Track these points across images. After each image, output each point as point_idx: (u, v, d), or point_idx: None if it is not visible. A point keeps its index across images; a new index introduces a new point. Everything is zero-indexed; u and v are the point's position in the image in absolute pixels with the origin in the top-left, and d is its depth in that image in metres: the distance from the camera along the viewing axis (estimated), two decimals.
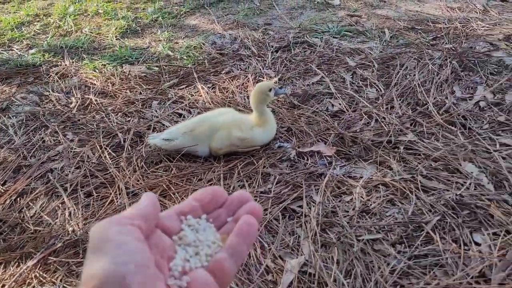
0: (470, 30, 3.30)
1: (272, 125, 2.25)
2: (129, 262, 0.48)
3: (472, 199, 1.68)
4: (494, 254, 1.47)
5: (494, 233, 1.56)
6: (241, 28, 3.71)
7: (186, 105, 2.67)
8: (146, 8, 4.25)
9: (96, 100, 2.80)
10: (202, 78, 2.96)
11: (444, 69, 2.60)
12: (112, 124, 2.51)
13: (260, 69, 3.00)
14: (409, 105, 2.37)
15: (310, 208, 1.80)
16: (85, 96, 2.87)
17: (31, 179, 2.11)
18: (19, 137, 2.45)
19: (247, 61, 3.14)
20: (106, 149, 2.29)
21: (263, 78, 2.87)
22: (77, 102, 2.80)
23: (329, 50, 3.16)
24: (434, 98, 2.35)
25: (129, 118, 2.60)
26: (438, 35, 3.29)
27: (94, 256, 0.49)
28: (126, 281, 0.46)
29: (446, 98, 2.35)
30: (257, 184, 1.97)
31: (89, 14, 4.18)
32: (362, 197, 1.81)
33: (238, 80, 2.88)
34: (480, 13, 3.65)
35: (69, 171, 2.16)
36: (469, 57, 2.72)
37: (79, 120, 2.60)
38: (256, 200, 1.86)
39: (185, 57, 3.29)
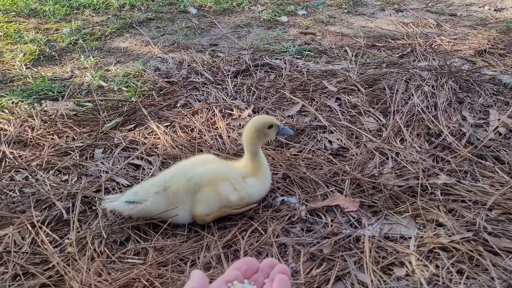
0: (436, 46, 3.10)
1: (267, 172, 1.74)
2: None
3: None
4: None
5: None
6: (183, 50, 3.15)
7: (142, 152, 2.05)
8: (60, 29, 3.50)
9: (12, 153, 2.06)
10: (153, 114, 2.36)
11: (441, 91, 2.30)
12: (43, 188, 1.81)
13: (223, 99, 2.47)
14: (421, 136, 2.02)
15: None
16: None
17: None
18: None
19: (204, 90, 2.60)
20: (41, 228, 1.60)
21: (232, 110, 2.35)
22: None
23: (297, 73, 2.74)
24: (448, 127, 2.02)
25: (66, 177, 1.92)
26: (404, 52, 3.05)
27: None
28: None
29: (460, 125, 2.04)
30: None
31: None
32: (422, 270, 1.37)
33: (201, 115, 2.33)
34: (434, 27, 3.51)
35: None
36: (461, 75, 2.47)
37: None
38: None
39: (124, 88, 2.65)
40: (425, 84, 2.38)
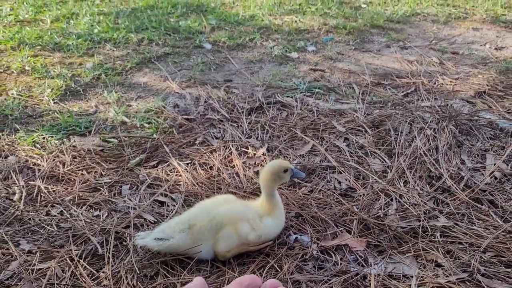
0: (438, 86, 3.29)
1: (281, 211, 1.91)
2: None
3: None
4: None
5: None
6: (200, 86, 3.36)
7: (165, 189, 2.23)
8: (83, 63, 3.72)
9: (46, 188, 2.25)
10: (174, 151, 2.55)
11: (442, 134, 2.48)
12: (78, 223, 1.99)
13: (239, 137, 2.66)
14: (423, 179, 2.19)
15: None
16: (30, 182, 2.30)
17: None
18: None
19: (220, 127, 2.79)
20: (79, 261, 1.78)
21: (248, 149, 2.54)
22: (21, 192, 2.22)
23: (308, 111, 2.93)
24: (448, 170, 2.19)
25: (97, 212, 2.10)
26: (408, 91, 3.24)
27: None
28: None
29: (459, 169, 2.21)
30: None
31: (13, 72, 3.54)
32: None
33: (218, 152, 2.51)
34: (437, 66, 3.70)
35: None
36: (461, 119, 2.65)
37: (30, 219, 2.04)
38: None
39: (145, 124, 2.84)
40: (427, 127, 2.56)
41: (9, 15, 4.78)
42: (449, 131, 2.48)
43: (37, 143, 2.65)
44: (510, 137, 2.45)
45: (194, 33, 4.35)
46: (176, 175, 2.35)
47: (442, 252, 1.74)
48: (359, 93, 3.23)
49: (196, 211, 1.85)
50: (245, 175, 2.32)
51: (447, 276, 1.63)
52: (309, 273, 1.72)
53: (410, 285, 1.62)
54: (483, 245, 1.74)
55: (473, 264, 1.66)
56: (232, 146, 2.56)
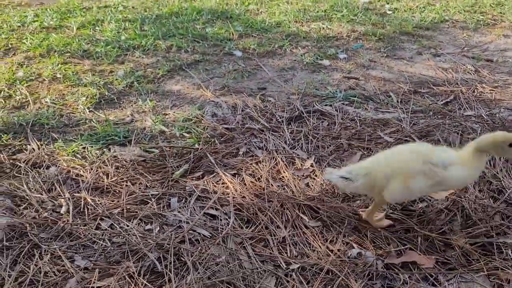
0: (478, 94, 3.23)
1: (479, 169, 1.85)
2: None
3: None
4: None
5: None
6: (234, 95, 3.31)
7: (215, 201, 2.18)
8: (114, 71, 3.68)
9: (93, 200, 2.20)
10: (219, 162, 2.49)
11: None
12: (131, 238, 1.93)
13: (283, 148, 2.60)
14: (483, 192, 2.12)
15: None
16: (75, 194, 2.25)
17: None
18: (6, 271, 1.77)
19: (261, 137, 2.74)
20: (139, 279, 1.72)
21: (294, 160, 2.48)
22: (68, 205, 2.17)
23: (350, 121, 2.87)
24: (510, 182, 2.12)
25: (149, 226, 2.04)
26: (448, 100, 3.17)
27: None
28: None
29: None
30: None
31: (44, 80, 3.49)
32: None
33: (264, 163, 2.45)
34: (473, 73, 3.63)
35: None
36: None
37: (80, 233, 1.98)
38: None
39: (185, 134, 2.79)
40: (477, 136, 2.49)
41: (33, 21, 4.74)
42: None
43: (77, 153, 2.60)
44: None
45: (222, 40, 4.31)
46: (223, 186, 2.29)
47: None
48: (397, 101, 3.16)
49: (378, 158, 1.93)
50: (295, 186, 2.26)
51: None
52: None
53: None
54: None
55: None
56: (278, 157, 2.50)
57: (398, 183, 1.81)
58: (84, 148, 2.64)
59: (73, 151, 2.60)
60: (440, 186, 1.85)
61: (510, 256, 1.75)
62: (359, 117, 2.92)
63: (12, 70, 3.62)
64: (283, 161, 2.47)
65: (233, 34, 4.41)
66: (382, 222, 1.99)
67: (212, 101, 3.23)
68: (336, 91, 3.30)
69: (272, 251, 1.89)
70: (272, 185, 2.28)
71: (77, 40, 4.21)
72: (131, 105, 3.18)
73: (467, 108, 3.02)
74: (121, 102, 3.23)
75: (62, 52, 3.99)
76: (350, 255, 1.84)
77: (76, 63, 3.81)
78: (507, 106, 2.99)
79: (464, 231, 1.89)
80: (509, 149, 1.78)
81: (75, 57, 3.93)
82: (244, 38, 4.38)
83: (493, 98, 3.14)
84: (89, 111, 3.08)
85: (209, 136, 2.75)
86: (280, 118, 2.94)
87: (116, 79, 3.52)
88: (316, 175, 2.35)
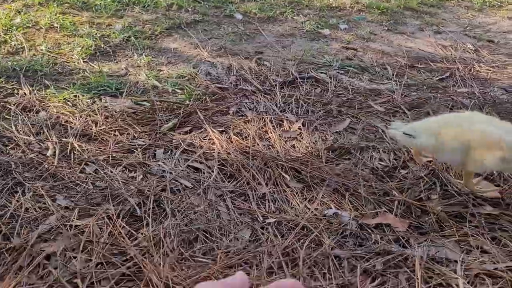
0: (474, 73, 3.22)
1: None
2: None
3: None
4: None
5: None
6: (231, 56, 3.29)
7: (200, 155, 2.20)
8: (112, 24, 3.65)
9: (80, 146, 2.22)
10: (208, 119, 2.50)
11: None
12: (114, 183, 1.97)
13: (273, 110, 2.61)
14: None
15: None
16: (63, 139, 2.27)
17: (22, 274, 1.52)
18: None
19: (253, 99, 2.74)
20: (117, 221, 1.75)
21: (282, 122, 2.49)
22: (54, 148, 2.19)
23: (342, 89, 2.87)
24: None
25: (133, 174, 2.07)
26: (443, 76, 3.16)
27: None
28: None
29: None
30: (331, 274, 1.59)
31: (41, 28, 3.47)
32: None
33: (252, 123, 2.47)
34: (472, 53, 3.61)
35: (75, 257, 1.60)
36: (505, 107, 2.58)
37: (65, 176, 2.01)
38: None
39: (178, 90, 2.79)
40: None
41: None
42: None
43: (68, 100, 2.61)
44: None
45: (224, 2, 4.26)
46: (209, 142, 2.31)
47: (488, 239, 1.71)
48: (393, 74, 3.15)
49: (448, 120, 1.90)
50: (281, 146, 2.28)
51: (494, 263, 1.60)
52: (350, 250, 1.69)
53: (455, 270, 1.59)
54: None
55: None
56: (267, 118, 2.51)
57: (476, 155, 1.77)
58: (75, 96, 2.65)
59: (64, 98, 2.61)
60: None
61: (482, 224, 1.78)
62: (352, 86, 2.91)
63: (9, 16, 3.59)
64: (271, 123, 2.48)
65: None
66: (489, 192, 1.94)
67: (208, 61, 3.22)
68: (333, 60, 3.28)
69: (251, 205, 1.93)
70: (258, 144, 2.30)
71: None
72: (126, 59, 3.17)
73: (461, 85, 3.01)
74: (117, 56, 3.22)
75: (61, 2, 3.95)
76: (327, 214, 1.87)
77: (75, 14, 3.78)
78: (501, 86, 2.98)
79: (441, 200, 1.92)
80: None
81: (74, 8, 3.89)
82: (246, 2, 4.33)
83: (488, 77, 3.13)
84: (84, 62, 3.07)
85: (200, 94, 2.75)
86: (274, 82, 2.94)
87: (114, 33, 3.50)
88: (302, 138, 2.37)
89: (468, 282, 1.54)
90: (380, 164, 2.18)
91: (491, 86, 3.01)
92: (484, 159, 1.76)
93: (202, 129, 2.41)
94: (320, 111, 2.63)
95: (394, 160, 2.20)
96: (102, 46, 3.28)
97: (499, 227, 1.77)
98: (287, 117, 2.54)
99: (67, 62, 3.06)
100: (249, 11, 4.09)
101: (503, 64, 3.37)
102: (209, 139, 2.34)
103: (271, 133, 2.39)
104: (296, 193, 2.00)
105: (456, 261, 1.63)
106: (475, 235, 1.73)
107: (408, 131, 1.86)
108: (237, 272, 0.62)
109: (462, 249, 1.70)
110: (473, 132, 1.78)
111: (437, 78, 3.13)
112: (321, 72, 3.09)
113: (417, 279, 1.55)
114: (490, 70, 3.24)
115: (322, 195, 1.97)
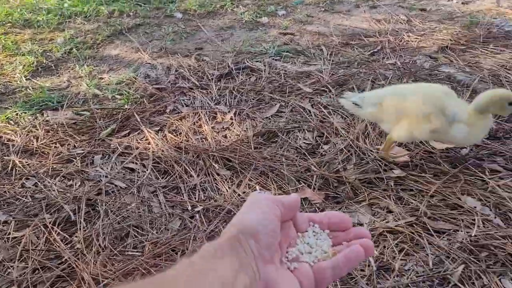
0: (404, 43, 3.36)
1: (486, 131, 1.88)
2: (264, 225, 0.63)
3: (487, 238, 1.62)
4: None
5: None
6: (171, 56, 3.40)
7: (135, 156, 2.32)
8: (54, 38, 3.72)
9: (21, 162, 2.33)
10: (145, 120, 2.62)
11: None
12: (51, 193, 2.08)
13: (208, 104, 2.73)
14: (383, 134, 2.28)
15: None
16: (5, 157, 2.38)
17: None
18: None
19: (190, 95, 2.86)
20: (53, 228, 1.88)
21: (216, 114, 2.62)
22: None
23: (276, 75, 3.00)
24: None
25: (71, 182, 2.19)
26: (375, 50, 3.30)
27: (244, 211, 0.65)
28: (258, 236, 0.61)
29: None
30: None
31: None
32: None
33: (187, 119, 2.59)
34: (405, 23, 3.75)
35: (12, 267, 1.72)
36: (421, 74, 2.73)
37: (5, 192, 2.12)
38: None
39: (117, 96, 2.90)
40: (388, 83, 2.64)
41: None
42: None
43: (11, 119, 2.70)
44: (465, 89, 2.54)
45: (165, 2, 4.34)
46: (146, 142, 2.43)
47: (393, 199, 1.86)
48: (328, 54, 3.28)
49: (395, 90, 2.00)
50: (213, 138, 2.41)
51: (396, 221, 1.76)
52: None
53: None
54: (431, 190, 1.86)
55: (421, 208, 1.79)
56: (201, 112, 2.63)
57: (406, 123, 1.88)
58: (17, 114, 2.74)
59: (6, 118, 2.71)
60: (440, 136, 1.90)
61: (391, 187, 1.93)
62: (285, 71, 3.04)
63: None
64: (205, 116, 2.60)
65: None
66: (400, 158, 2.08)
67: (148, 63, 3.32)
68: (270, 47, 3.40)
69: (183, 197, 2.06)
70: (191, 138, 2.43)
71: (19, 10, 4.22)
72: (68, 71, 3.26)
73: (390, 57, 3.15)
74: (59, 69, 3.30)
75: (3, 22, 4.00)
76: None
77: (17, 33, 3.84)
78: (426, 53, 3.13)
79: (355, 169, 2.07)
80: (509, 107, 1.75)
81: (16, 27, 3.95)
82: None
83: (416, 46, 3.27)
84: (26, 79, 3.16)
85: (139, 97, 2.86)
86: (211, 76, 3.05)
87: (56, 47, 3.58)
88: (234, 127, 2.50)
89: (373, 241, 1.69)
90: (304, 143, 2.32)
91: (418, 54, 3.15)
92: (415, 130, 1.89)
93: (139, 131, 2.53)
94: (253, 99, 2.76)
95: (318, 138, 2.34)
96: (44, 61, 3.36)
97: (404, 187, 1.92)
98: (220, 109, 2.67)
99: (9, 81, 3.14)
100: (189, 9, 4.18)
101: (432, 31, 3.51)
102: (145, 140, 2.46)
103: (204, 126, 2.52)
104: (226, 180, 2.14)
105: (363, 224, 1.78)
106: (383, 198, 1.88)
107: (357, 101, 2.01)
108: (292, 194, 0.71)
109: (373, 212, 1.86)
110: (410, 103, 1.88)
111: (369, 53, 3.26)
112: (257, 61, 3.21)
113: None
114: (419, 38, 3.38)
115: (249, 179, 2.11)
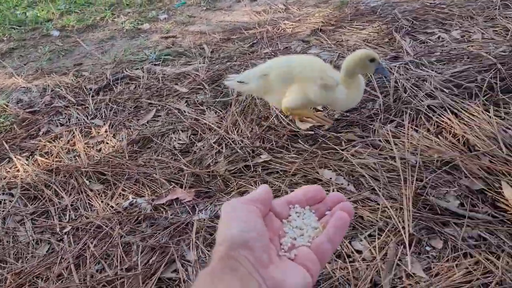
0: (281, 31, 3.44)
1: (361, 90, 1.97)
2: (250, 231, 0.62)
3: None
4: (377, 258, 1.48)
5: (370, 235, 1.58)
6: (47, 76, 3.25)
7: (2, 187, 2.19)
8: None
9: None
10: (15, 147, 2.48)
11: None
12: None
13: (84, 120, 2.64)
14: (253, 121, 2.32)
15: (187, 270, 1.60)
16: None
17: None
18: None
19: (66, 113, 2.75)
20: None
21: (91, 129, 2.53)
22: None
23: (154, 80, 2.96)
24: (275, 108, 2.33)
25: None
26: (254, 41, 3.35)
27: (225, 225, 0.63)
28: (248, 244, 0.60)
29: None
30: (118, 261, 1.68)
31: None
32: None
33: (61, 139, 2.49)
34: (283, 12, 3.84)
35: None
36: None
37: None
38: (123, 282, 1.58)
39: None
40: None
41: None
42: None
43: None
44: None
45: (41, 22, 4.15)
46: (15, 170, 2.31)
47: (259, 184, 1.89)
48: (210, 52, 3.29)
49: (277, 62, 2.06)
50: (86, 154, 2.33)
51: None
52: (141, 233, 1.80)
53: None
54: (293, 169, 1.91)
55: (283, 188, 1.83)
56: (76, 129, 2.54)
57: (297, 87, 1.95)
58: None
59: None
60: (328, 98, 1.95)
61: (258, 172, 1.96)
62: (164, 74, 3.01)
63: None
64: (80, 133, 2.51)
65: (54, 14, 4.26)
66: (304, 125, 2.17)
67: (23, 87, 3.16)
68: (151, 53, 3.36)
69: (53, 220, 1.97)
70: (63, 158, 2.33)
71: None
72: None
73: (268, 46, 3.22)
74: None
75: None
76: (124, 205, 1.97)
77: None
78: (300, 38, 3.22)
79: (225, 161, 2.08)
80: (370, 64, 1.87)
81: None
82: (65, 15, 4.26)
83: (291, 32, 3.37)
84: None
85: (9, 123, 2.71)
86: (89, 91, 2.95)
87: None
88: (109, 140, 2.43)
89: None
90: (178, 143, 2.30)
91: (293, 40, 3.24)
92: (308, 91, 1.94)
93: (7, 159, 2.39)
94: (130, 107, 2.70)
95: (192, 136, 2.33)
96: None
97: (270, 171, 1.96)
98: (95, 123, 2.58)
99: None
100: (67, 25, 4.03)
101: (306, 16, 3.62)
102: (14, 168, 2.33)
103: (78, 143, 2.43)
104: (99, 194, 2.07)
105: None
106: (249, 185, 1.91)
107: (241, 79, 2.07)
108: (261, 185, 0.70)
109: None
110: (299, 69, 1.96)
111: (248, 45, 3.31)
112: (136, 69, 3.15)
113: (193, 240, 1.69)
114: (294, 24, 3.48)
115: (122, 189, 2.06)
